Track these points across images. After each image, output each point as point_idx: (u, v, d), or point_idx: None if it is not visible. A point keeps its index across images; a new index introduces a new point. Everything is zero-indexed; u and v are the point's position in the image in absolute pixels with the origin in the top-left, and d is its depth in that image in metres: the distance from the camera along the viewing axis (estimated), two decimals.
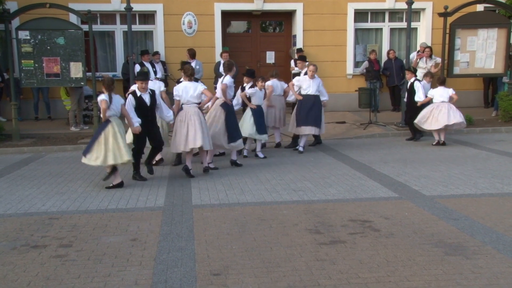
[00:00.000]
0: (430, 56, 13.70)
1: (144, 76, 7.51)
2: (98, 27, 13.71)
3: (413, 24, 14.23)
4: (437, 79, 10.77)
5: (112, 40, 14.23)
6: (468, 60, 12.77)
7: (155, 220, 5.77)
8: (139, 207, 6.36)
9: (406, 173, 7.87)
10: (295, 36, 14.71)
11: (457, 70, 12.82)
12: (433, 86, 10.75)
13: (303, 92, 9.69)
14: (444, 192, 6.78)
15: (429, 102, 10.43)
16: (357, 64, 15.07)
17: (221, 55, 12.98)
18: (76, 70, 11.33)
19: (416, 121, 10.34)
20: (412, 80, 10.70)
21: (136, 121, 7.33)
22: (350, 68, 14.78)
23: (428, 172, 7.95)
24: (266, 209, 6.14)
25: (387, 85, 14.57)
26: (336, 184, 7.32)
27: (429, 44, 14.30)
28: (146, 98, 7.56)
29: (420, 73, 13.33)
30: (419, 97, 10.46)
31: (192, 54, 12.58)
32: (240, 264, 4.48)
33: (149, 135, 7.69)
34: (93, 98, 11.67)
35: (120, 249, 4.89)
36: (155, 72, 11.83)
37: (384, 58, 14.90)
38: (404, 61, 12.72)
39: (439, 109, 10.14)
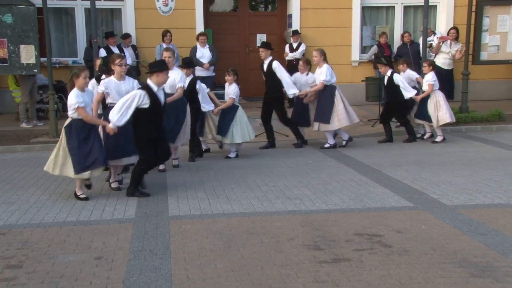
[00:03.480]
0: (456, 39, 13.62)
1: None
2: (54, 3, 13.60)
3: (432, 1, 14.28)
4: (427, 62, 10.81)
5: (71, 19, 14.17)
6: (498, 44, 12.77)
7: (124, 235, 5.75)
8: (105, 219, 6.33)
9: (422, 179, 7.92)
10: (290, 16, 14.76)
11: (484, 55, 12.82)
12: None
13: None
14: (469, 201, 6.83)
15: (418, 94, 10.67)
16: (364, 49, 15.16)
17: (197, 39, 12.95)
18: (28, 54, 11.28)
19: (437, 124, 10.48)
20: (389, 73, 10.55)
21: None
22: (356, 54, 14.85)
23: (450, 177, 8.01)
24: (256, 220, 6.15)
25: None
26: (339, 191, 7.34)
27: (451, 25, 14.32)
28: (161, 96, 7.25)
29: (442, 59, 13.38)
30: (408, 93, 10.34)
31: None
32: (226, 287, 4.48)
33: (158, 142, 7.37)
34: (48, 89, 11.60)
35: (82, 270, 4.86)
36: None
37: (396, 42, 14.99)
38: (421, 46, 12.76)
39: (440, 98, 10.55)
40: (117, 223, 6.16)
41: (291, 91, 10.05)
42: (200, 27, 14.01)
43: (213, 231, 5.83)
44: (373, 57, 14.44)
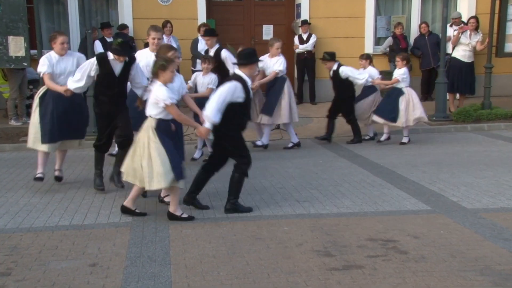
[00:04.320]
0: (476, 29, 13.56)
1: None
2: None
3: None
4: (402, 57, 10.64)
5: (63, 9, 14.22)
6: None
7: (121, 240, 5.77)
8: (100, 223, 6.36)
9: (441, 180, 7.92)
10: (299, 5, 14.76)
11: (509, 47, 12.76)
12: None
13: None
14: (492, 205, 6.82)
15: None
16: (378, 41, 15.15)
17: (199, 30, 12.99)
18: (17, 46, 11.30)
19: (407, 123, 10.34)
20: (335, 67, 10.42)
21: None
22: (369, 46, 14.84)
23: (470, 178, 8.00)
24: (263, 225, 6.17)
25: (419, 68, 14.60)
26: (351, 193, 7.35)
27: (473, 14, 14.28)
28: None
29: (461, 51, 13.31)
30: (360, 77, 10.29)
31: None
32: None
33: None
34: (39, 84, 11.63)
35: (75, 278, 4.88)
36: None
37: (413, 33, 14.97)
38: (441, 36, 12.71)
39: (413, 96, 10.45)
40: (113, 227, 6.19)
41: None
42: (202, 18, 14.03)
43: (216, 236, 5.84)
44: (387, 49, 14.43)
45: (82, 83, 7.14)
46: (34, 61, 11.94)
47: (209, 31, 10.18)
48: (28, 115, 12.63)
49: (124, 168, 6.43)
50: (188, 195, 6.75)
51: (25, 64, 11.59)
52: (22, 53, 11.34)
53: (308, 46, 14.00)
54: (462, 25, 13.74)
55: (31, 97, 12.91)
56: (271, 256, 5.28)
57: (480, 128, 11.84)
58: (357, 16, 14.67)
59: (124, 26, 13.27)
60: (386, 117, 10.28)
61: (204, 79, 9.19)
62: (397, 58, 10.57)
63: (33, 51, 11.88)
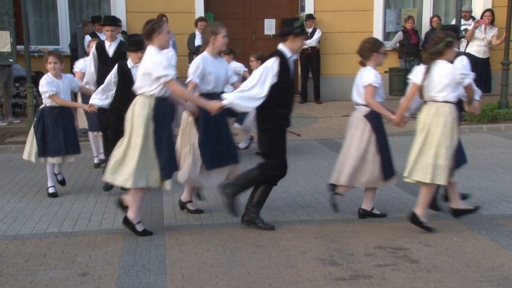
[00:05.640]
0: (491, 23, 13.58)
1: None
2: None
3: None
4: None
5: (52, 1, 14.23)
6: None
7: (114, 248, 5.78)
8: (92, 229, 6.37)
9: None
10: None
11: None
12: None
13: None
14: (509, 210, 6.84)
15: None
16: (387, 36, 15.15)
17: (196, 25, 13.01)
18: (2, 42, 11.32)
19: None
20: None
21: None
22: None
23: (486, 182, 8.00)
24: (264, 232, 6.18)
25: None
26: (358, 198, 7.34)
27: (489, 7, 14.29)
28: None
29: (476, 46, 13.32)
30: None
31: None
32: None
33: None
34: (26, 81, 11.65)
35: None
36: None
37: (425, 27, 14.97)
38: None
39: None
40: (105, 234, 6.20)
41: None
42: (200, 11, 14.05)
43: (214, 243, 5.85)
44: (397, 45, 14.44)
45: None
46: (21, 57, 11.98)
47: (109, 19, 9.10)
48: (14, 114, 12.68)
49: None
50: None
51: (11, 60, 11.60)
52: (7, 48, 11.36)
53: (312, 41, 14.01)
54: (471, 20, 13.77)
55: (17, 96, 12.97)
56: (273, 265, 5.29)
57: (496, 128, 11.83)
58: (365, 9, 14.68)
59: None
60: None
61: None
62: (251, 59, 9.93)
63: (19, 47, 11.90)
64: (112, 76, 7.38)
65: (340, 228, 6.25)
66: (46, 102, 7.49)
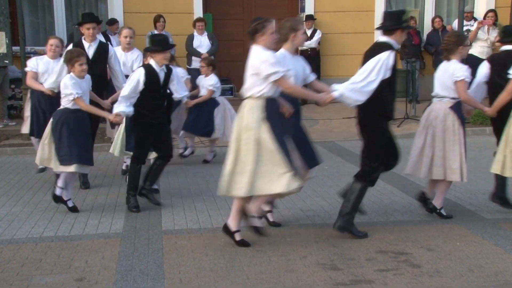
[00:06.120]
0: (494, 24, 13.56)
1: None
2: None
3: None
4: None
5: (48, 2, 14.24)
6: None
7: (111, 252, 5.77)
8: (88, 234, 6.36)
9: (457, 188, 7.90)
10: None
11: None
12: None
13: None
14: None
15: None
16: None
17: (194, 25, 13.02)
18: None
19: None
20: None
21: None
22: None
23: (490, 185, 7.97)
24: (264, 236, 6.15)
25: (433, 67, 14.61)
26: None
27: (492, 7, 14.29)
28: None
29: (479, 47, 13.32)
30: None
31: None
32: None
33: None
34: (22, 83, 11.65)
35: None
36: None
37: (427, 28, 14.98)
38: None
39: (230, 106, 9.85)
40: (102, 238, 6.19)
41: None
42: (198, 12, 14.07)
43: (213, 247, 5.85)
44: (399, 46, 14.43)
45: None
46: (17, 59, 11.99)
47: (89, 16, 8.59)
48: (10, 116, 12.67)
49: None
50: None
51: (7, 61, 11.61)
52: (3, 49, 11.37)
53: (312, 43, 14.02)
54: (472, 20, 13.78)
55: (13, 98, 12.97)
56: (273, 270, 5.28)
57: None
58: (366, 9, 14.70)
59: (113, 21, 13.29)
60: (200, 133, 9.79)
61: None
62: (202, 64, 9.77)
63: (15, 48, 11.90)
64: (137, 82, 6.77)
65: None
66: (68, 104, 6.92)
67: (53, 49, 8.29)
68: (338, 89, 5.78)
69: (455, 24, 13.91)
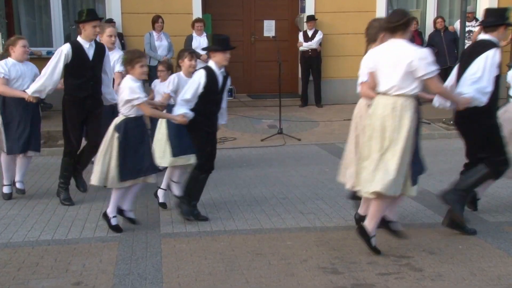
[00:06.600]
0: None
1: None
2: None
3: None
4: None
5: (45, 2, 14.22)
6: None
7: (108, 256, 5.77)
8: (85, 237, 6.36)
9: None
10: None
11: None
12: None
13: None
14: None
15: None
16: None
17: (192, 26, 13.04)
18: None
19: None
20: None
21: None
22: None
23: (492, 188, 7.97)
24: (263, 239, 6.18)
25: None
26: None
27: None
28: None
29: None
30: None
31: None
32: None
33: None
34: None
35: None
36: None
37: (429, 29, 14.99)
38: (459, 33, 12.76)
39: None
40: (99, 242, 6.19)
41: None
42: (197, 12, 14.06)
43: (212, 251, 5.85)
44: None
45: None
46: None
47: (93, 12, 7.63)
48: None
49: None
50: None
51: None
52: None
53: (312, 43, 14.02)
54: (474, 21, 13.78)
55: None
56: (273, 274, 5.28)
57: None
58: (367, 10, 14.67)
59: (109, 22, 13.28)
60: None
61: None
62: (160, 67, 8.27)
63: None
64: (198, 85, 6.38)
65: (341, 235, 6.25)
66: (129, 112, 6.21)
67: (26, 51, 7.64)
68: (469, 92, 5.84)
69: (457, 24, 13.94)
